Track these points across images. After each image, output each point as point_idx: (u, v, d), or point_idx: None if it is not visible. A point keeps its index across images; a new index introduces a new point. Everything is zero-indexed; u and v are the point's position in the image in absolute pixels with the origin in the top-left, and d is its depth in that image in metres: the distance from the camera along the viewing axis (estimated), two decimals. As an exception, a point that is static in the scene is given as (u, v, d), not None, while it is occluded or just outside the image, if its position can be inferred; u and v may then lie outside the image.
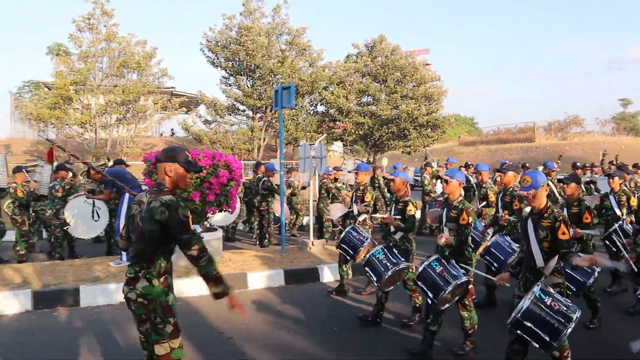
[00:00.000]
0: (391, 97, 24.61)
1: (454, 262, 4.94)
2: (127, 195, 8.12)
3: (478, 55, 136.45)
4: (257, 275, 7.95)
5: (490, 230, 7.08)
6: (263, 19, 24.08)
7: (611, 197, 7.55)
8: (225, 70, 24.12)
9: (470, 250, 5.22)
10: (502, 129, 44.54)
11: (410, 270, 5.90)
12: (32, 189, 9.83)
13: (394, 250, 5.82)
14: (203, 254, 3.21)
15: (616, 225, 6.87)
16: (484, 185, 7.95)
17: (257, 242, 11.44)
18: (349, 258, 6.85)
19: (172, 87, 27.08)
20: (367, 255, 5.84)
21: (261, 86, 23.05)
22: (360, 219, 7.42)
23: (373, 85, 24.91)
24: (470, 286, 5.10)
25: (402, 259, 5.68)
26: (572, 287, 5.24)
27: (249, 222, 12.93)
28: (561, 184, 7.28)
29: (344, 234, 6.86)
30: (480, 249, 6.54)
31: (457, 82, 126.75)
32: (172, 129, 36.13)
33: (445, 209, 5.28)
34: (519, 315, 3.79)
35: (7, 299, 6.65)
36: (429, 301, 4.84)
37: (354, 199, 7.66)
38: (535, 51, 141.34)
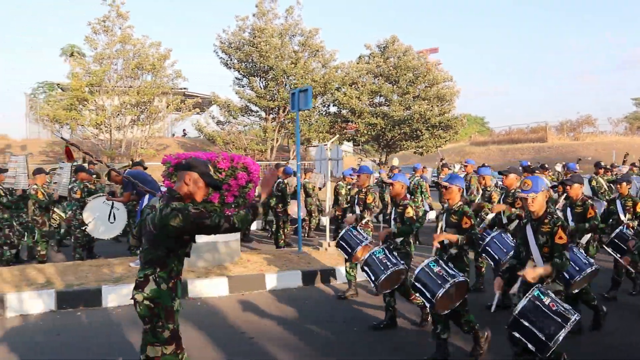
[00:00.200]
0: (404, 98, 24.66)
1: (451, 265, 4.98)
2: (146, 197, 8.24)
3: (483, 54, 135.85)
4: (274, 276, 8.04)
5: (489, 231, 7.12)
6: (276, 20, 24.21)
7: (618, 202, 7.57)
8: (239, 71, 24.26)
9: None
10: (514, 128, 44.45)
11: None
12: (52, 192, 10.01)
13: (394, 253, 5.86)
14: (233, 221, 3.24)
15: (617, 231, 6.99)
16: (488, 189, 8.01)
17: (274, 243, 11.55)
18: (346, 256, 6.90)
19: (184, 88, 27.29)
20: (367, 255, 5.87)
21: (274, 87, 23.17)
22: (363, 221, 7.43)
23: (385, 86, 24.95)
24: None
25: (402, 262, 5.72)
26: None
27: (267, 223, 13.07)
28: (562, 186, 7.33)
29: (344, 231, 6.92)
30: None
31: (462, 82, 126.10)
32: (184, 130, 36.42)
33: (445, 215, 5.32)
34: (516, 313, 3.82)
35: (32, 299, 6.79)
36: (427, 304, 4.85)
37: (355, 201, 7.69)
38: (540, 50, 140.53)
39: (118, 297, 7.05)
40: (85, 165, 10.53)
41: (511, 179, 7.07)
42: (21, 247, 10.16)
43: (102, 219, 9.31)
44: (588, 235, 6.56)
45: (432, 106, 24.02)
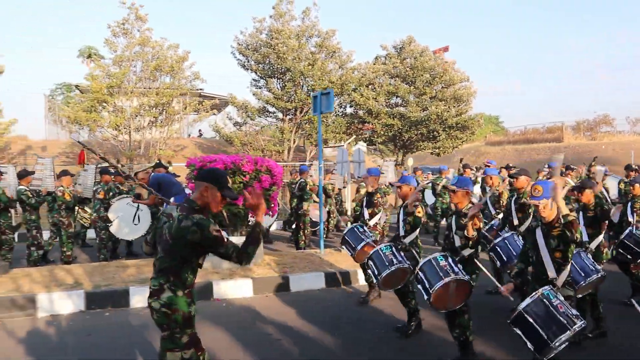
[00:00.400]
0: (420, 99, 24.60)
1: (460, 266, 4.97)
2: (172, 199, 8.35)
3: (491, 53, 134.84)
4: (298, 277, 8.11)
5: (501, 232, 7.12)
6: (293, 22, 24.25)
7: (629, 203, 7.48)
8: (256, 72, 24.38)
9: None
10: (529, 128, 43.93)
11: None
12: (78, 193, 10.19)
13: (402, 253, 5.87)
14: (242, 256, 3.25)
15: (627, 232, 6.62)
16: (496, 189, 7.99)
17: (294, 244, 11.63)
18: (350, 253, 6.89)
19: (201, 89, 27.49)
20: (373, 251, 5.87)
21: (292, 88, 23.25)
22: (371, 223, 7.45)
23: (402, 86, 24.90)
24: None
25: (408, 262, 5.73)
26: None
27: (286, 223, 13.17)
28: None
29: (347, 229, 6.96)
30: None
31: (475, 80, 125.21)
32: (199, 130, 36.68)
33: (454, 217, 5.32)
34: (522, 308, 3.78)
35: (61, 299, 6.93)
36: (425, 296, 4.81)
37: (364, 204, 7.67)
38: (552, 49, 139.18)
39: (144, 298, 7.06)
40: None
41: (522, 181, 7.03)
42: (52, 247, 10.37)
43: (127, 220, 9.46)
44: (598, 240, 6.26)
45: (449, 107, 23.96)
